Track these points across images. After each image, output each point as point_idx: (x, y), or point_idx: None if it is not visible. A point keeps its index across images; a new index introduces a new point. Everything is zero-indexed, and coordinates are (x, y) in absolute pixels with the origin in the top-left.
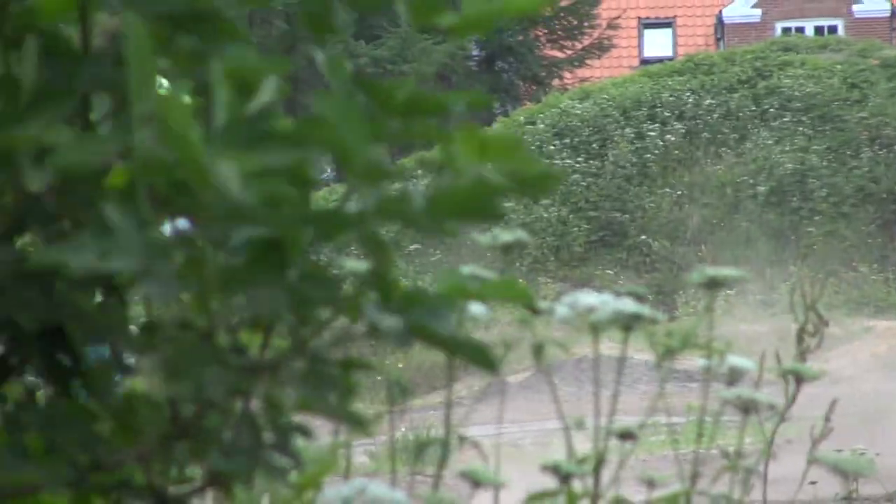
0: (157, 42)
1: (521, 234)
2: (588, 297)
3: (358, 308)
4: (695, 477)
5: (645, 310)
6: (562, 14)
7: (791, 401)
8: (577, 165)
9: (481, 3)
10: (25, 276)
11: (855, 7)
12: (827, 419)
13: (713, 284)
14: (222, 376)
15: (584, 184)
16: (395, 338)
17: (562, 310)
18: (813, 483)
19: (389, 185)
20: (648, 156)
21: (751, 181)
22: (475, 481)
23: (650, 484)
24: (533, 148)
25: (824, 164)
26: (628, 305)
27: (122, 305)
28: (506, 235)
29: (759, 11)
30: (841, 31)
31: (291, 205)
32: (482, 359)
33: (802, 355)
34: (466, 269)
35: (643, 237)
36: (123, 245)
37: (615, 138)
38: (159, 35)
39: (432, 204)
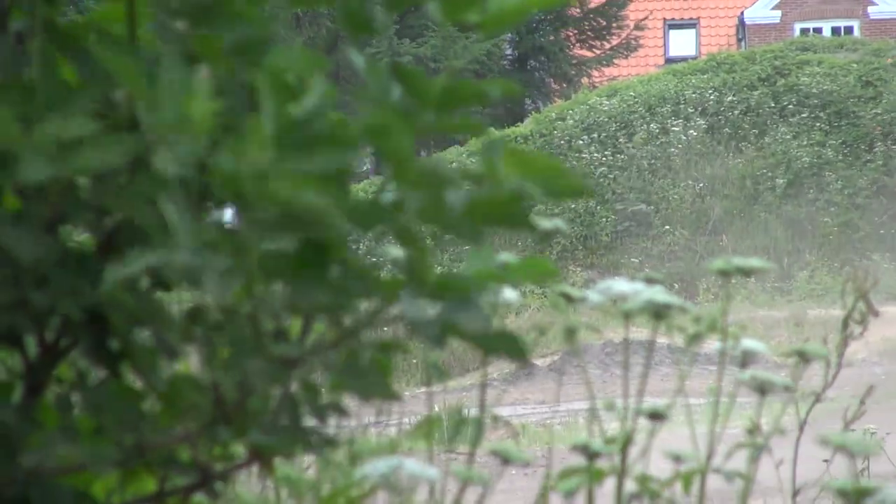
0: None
1: (558, 223)
2: (620, 285)
3: (395, 296)
4: (711, 455)
5: (675, 299)
6: (591, 15)
7: (830, 382)
8: (605, 159)
9: (508, 1)
10: (69, 265)
11: (870, 9)
12: (862, 402)
13: (735, 272)
14: (264, 366)
15: (610, 176)
16: (429, 337)
17: (595, 296)
18: (826, 461)
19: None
20: (672, 150)
21: (769, 174)
22: (505, 459)
23: (676, 459)
24: (562, 143)
25: (840, 158)
26: (659, 295)
27: (164, 293)
28: (545, 223)
29: (778, 13)
30: (857, 32)
31: (337, 206)
32: (514, 349)
33: (846, 340)
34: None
35: (667, 227)
36: (183, 242)
37: (639, 134)
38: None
39: (469, 211)
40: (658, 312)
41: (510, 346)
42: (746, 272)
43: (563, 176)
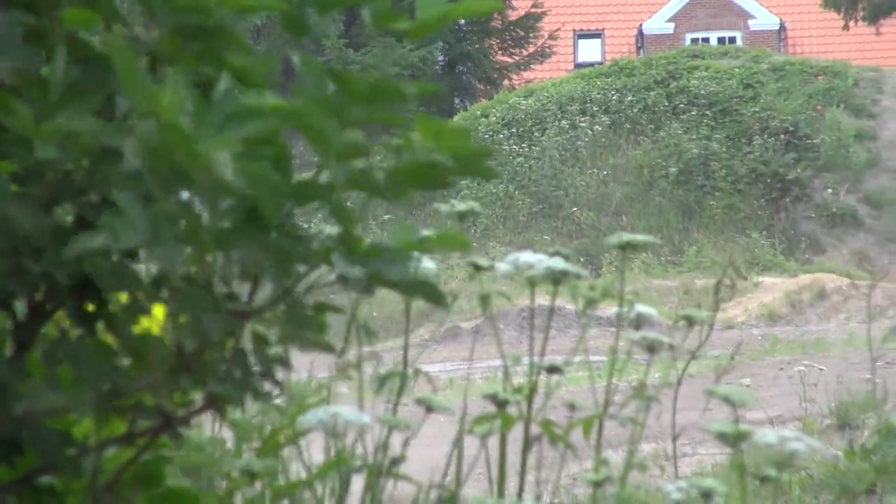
0: (169, 48)
1: (473, 205)
2: (526, 256)
3: (329, 260)
4: (608, 404)
5: (571, 267)
6: (511, 27)
7: (704, 341)
8: (522, 150)
9: (430, 11)
10: (60, 239)
11: (750, 22)
12: (732, 357)
13: (629, 247)
14: (217, 320)
15: (526, 165)
16: (357, 285)
17: (504, 267)
18: (709, 410)
19: (358, 162)
20: (580, 142)
21: (663, 163)
22: (428, 407)
23: (571, 407)
24: (486, 137)
25: (723, 149)
26: (558, 263)
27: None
28: (461, 205)
29: (672, 25)
30: (739, 42)
31: (270, 179)
32: (432, 295)
33: (718, 303)
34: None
35: (574, 209)
36: (132, 223)
37: (551, 129)
38: (171, 42)
39: (392, 177)
40: (556, 279)
41: (428, 292)
42: (638, 246)
43: (470, 144)
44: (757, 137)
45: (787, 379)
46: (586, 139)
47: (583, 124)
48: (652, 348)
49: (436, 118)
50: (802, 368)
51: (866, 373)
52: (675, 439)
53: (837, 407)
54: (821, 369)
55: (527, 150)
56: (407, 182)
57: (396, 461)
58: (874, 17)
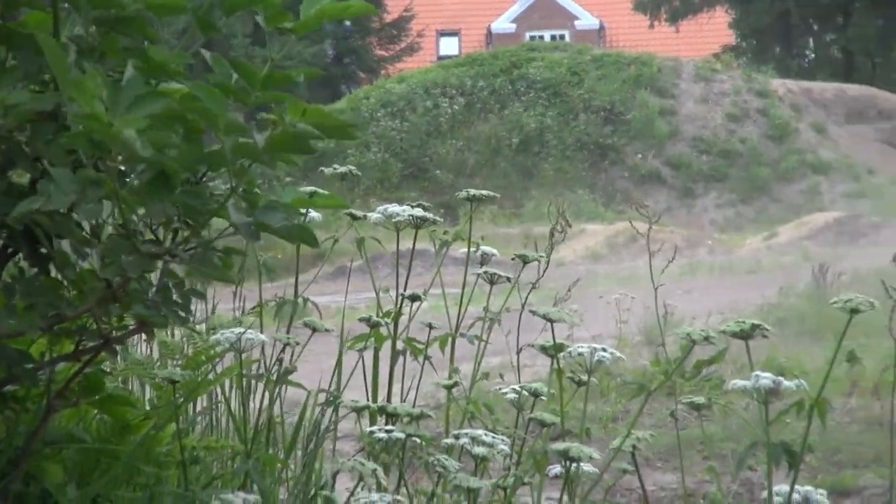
0: (95, 39)
1: (352, 168)
2: (394, 207)
3: (225, 212)
4: (458, 326)
5: (428, 215)
6: (387, 27)
7: (541, 276)
8: (395, 125)
9: (310, 11)
10: (13, 195)
11: (576, 22)
12: (569, 290)
13: (474, 199)
14: (135, 261)
15: (399, 138)
16: (246, 231)
17: (375, 215)
18: (546, 331)
19: (242, 136)
20: (441, 119)
21: (507, 136)
22: (313, 329)
23: (430, 327)
24: (367, 114)
25: (555, 124)
26: (418, 212)
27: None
28: (341, 168)
29: (514, 25)
30: (567, 38)
31: (174, 148)
32: (308, 239)
33: (552, 246)
34: (308, 189)
35: (437, 172)
36: (62, 188)
37: (419, 108)
38: (97, 36)
39: (269, 145)
40: (416, 224)
41: (305, 236)
42: (482, 200)
43: (331, 119)
44: (582, 114)
45: (605, 305)
46: (446, 116)
47: (444, 104)
48: (492, 280)
49: (301, 102)
50: (618, 297)
51: (667, 299)
52: (518, 353)
53: (645, 327)
54: (632, 297)
55: (399, 125)
56: (281, 149)
57: (289, 371)
58: (674, 19)
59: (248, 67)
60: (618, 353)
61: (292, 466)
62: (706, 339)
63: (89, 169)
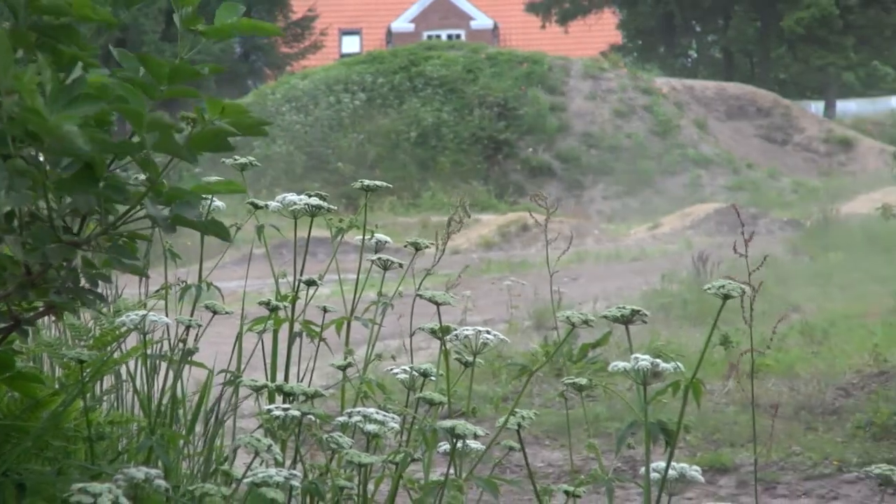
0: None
1: (251, 159)
2: (291, 196)
3: (142, 204)
4: (354, 309)
5: (323, 203)
6: (291, 26)
7: (436, 262)
8: (299, 119)
9: (223, 22)
10: None
11: (472, 22)
12: (459, 276)
13: (368, 189)
14: (57, 249)
15: (303, 131)
16: (164, 226)
17: (274, 204)
18: (436, 314)
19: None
20: (344, 113)
21: (406, 130)
22: (214, 311)
23: (324, 310)
24: (272, 109)
25: (451, 119)
26: (314, 201)
27: None
28: (242, 160)
29: (413, 25)
30: (463, 38)
31: (100, 142)
32: (220, 231)
33: (448, 234)
34: (212, 178)
35: (339, 164)
36: None
37: (322, 103)
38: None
39: (190, 141)
40: (312, 212)
41: (217, 230)
42: (376, 189)
43: (247, 116)
44: (476, 110)
45: (497, 291)
46: (348, 111)
47: (345, 100)
48: (385, 267)
49: (220, 100)
50: (510, 283)
51: (555, 286)
52: (411, 336)
53: (535, 312)
54: (523, 284)
55: (303, 119)
56: (201, 146)
57: (191, 352)
58: (564, 19)
59: (154, 62)
60: (502, 336)
61: (194, 443)
62: (585, 322)
63: (17, 159)
